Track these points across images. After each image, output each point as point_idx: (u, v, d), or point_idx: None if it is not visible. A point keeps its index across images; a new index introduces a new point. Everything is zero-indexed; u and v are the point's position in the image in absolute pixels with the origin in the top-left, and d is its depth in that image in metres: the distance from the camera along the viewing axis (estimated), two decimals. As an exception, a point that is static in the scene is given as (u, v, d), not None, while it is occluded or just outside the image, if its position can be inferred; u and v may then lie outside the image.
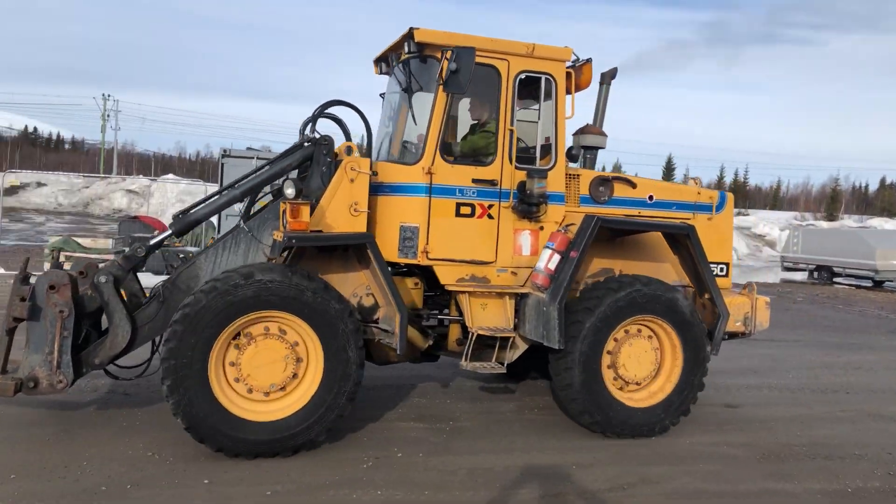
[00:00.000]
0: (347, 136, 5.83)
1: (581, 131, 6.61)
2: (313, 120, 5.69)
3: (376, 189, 5.64)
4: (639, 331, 5.89)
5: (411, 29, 5.50)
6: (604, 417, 5.69)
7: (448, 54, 5.29)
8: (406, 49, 5.60)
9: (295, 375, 5.04)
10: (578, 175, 6.16)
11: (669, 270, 6.30)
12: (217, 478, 4.51)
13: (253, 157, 13.66)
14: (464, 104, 6.02)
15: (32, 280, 4.93)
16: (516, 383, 7.36)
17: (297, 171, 5.62)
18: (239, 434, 4.80)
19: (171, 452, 4.86)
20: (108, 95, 62.99)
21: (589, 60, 6.19)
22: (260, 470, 4.69)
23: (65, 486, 4.25)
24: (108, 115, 61.69)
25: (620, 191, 6.25)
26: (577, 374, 5.56)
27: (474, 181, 5.68)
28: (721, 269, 6.46)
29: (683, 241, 6.03)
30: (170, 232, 5.49)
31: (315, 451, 5.06)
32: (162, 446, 4.96)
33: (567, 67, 5.99)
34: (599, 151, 6.63)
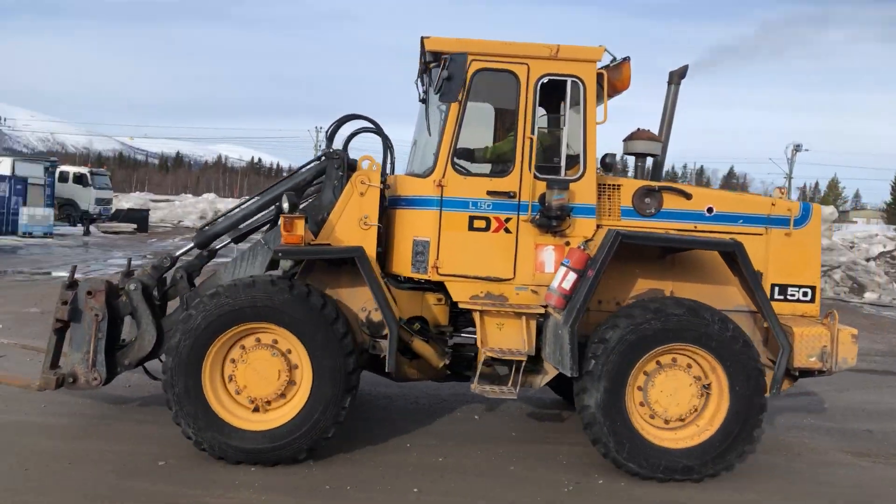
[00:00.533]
0: (390, 148, 5.91)
1: (631, 137, 6.04)
2: (330, 135, 5.91)
3: (395, 203, 5.62)
4: (675, 361, 5.10)
5: (423, 38, 5.40)
6: (633, 459, 4.98)
7: (443, 62, 5.18)
8: (422, 59, 5.55)
9: (287, 388, 5.06)
10: (620, 185, 5.60)
11: (734, 294, 5.48)
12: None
13: None
14: (491, 112, 5.76)
15: None
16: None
17: (310, 184, 5.78)
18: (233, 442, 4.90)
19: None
20: (320, 127, 68.76)
21: (626, 59, 5.71)
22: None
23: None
24: (320, 146, 67.01)
25: (671, 202, 5.59)
26: (596, 411, 4.94)
27: (489, 193, 5.41)
28: (805, 294, 5.60)
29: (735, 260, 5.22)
30: (191, 245, 5.82)
31: (514, 473, 5.12)
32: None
33: (600, 68, 5.50)
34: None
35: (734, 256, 5.16)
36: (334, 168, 5.53)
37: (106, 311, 5.27)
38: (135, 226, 30.67)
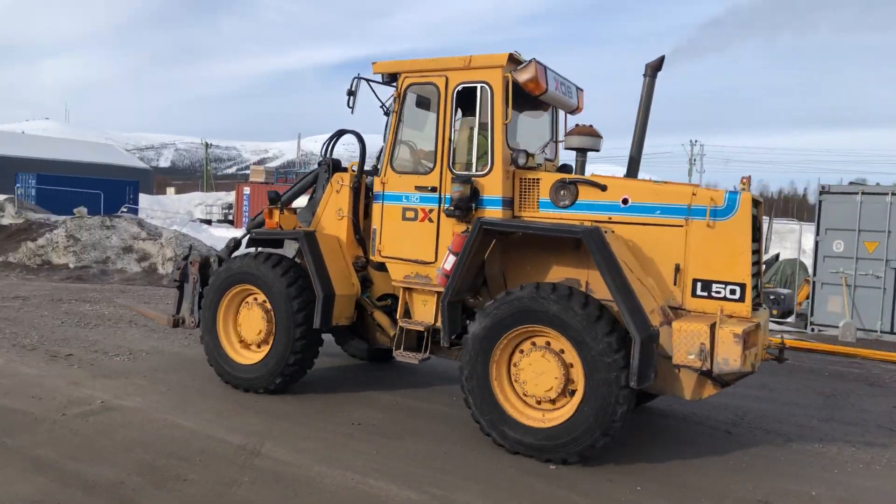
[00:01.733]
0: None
1: (570, 132, 6.25)
2: (328, 147, 7.22)
3: (376, 198, 6.57)
4: (535, 343, 5.34)
5: (372, 63, 6.58)
6: (497, 432, 5.35)
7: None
8: (380, 79, 6.61)
9: (265, 341, 6.59)
10: (539, 179, 5.97)
11: (652, 286, 5.32)
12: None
13: (857, 193, 12.13)
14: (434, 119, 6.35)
15: None
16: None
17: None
18: None
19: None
20: (695, 141, 66.31)
21: (531, 61, 5.91)
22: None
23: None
24: (695, 160, 64.28)
25: (587, 194, 5.76)
26: (469, 382, 5.47)
27: (416, 188, 6.25)
28: (733, 292, 5.15)
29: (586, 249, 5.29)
30: (245, 232, 7.36)
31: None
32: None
33: (509, 73, 5.87)
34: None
35: (589, 244, 5.16)
36: (323, 172, 6.96)
37: (199, 275, 7.27)
38: None
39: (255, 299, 6.64)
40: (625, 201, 5.64)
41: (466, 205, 5.82)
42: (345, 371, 7.78)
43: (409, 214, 6.28)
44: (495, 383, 5.42)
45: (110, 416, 5.74)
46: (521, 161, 6.02)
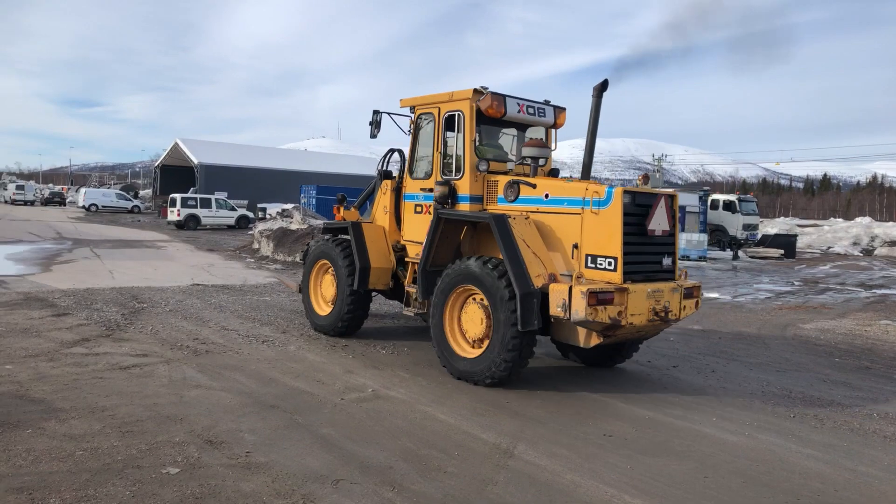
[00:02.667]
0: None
1: (525, 144, 8.05)
2: (383, 161, 9.54)
3: (404, 198, 8.88)
4: (471, 298, 7.28)
5: (400, 99, 8.70)
6: (448, 364, 7.34)
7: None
8: (409, 111, 8.70)
9: (333, 300, 9.21)
10: (497, 181, 7.74)
11: (559, 260, 7.02)
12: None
13: None
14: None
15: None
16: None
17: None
18: None
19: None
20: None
21: (488, 93, 7.68)
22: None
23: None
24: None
25: (525, 191, 7.46)
26: (434, 327, 7.51)
27: (421, 189, 8.45)
28: (610, 264, 6.62)
29: (490, 230, 7.15)
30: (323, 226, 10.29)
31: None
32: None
33: (475, 102, 7.71)
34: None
35: (493, 227, 6.99)
36: (378, 180, 9.44)
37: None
38: (781, 251, 30.02)
39: (329, 270, 9.36)
40: (546, 196, 7.27)
41: (446, 201, 7.79)
42: (591, 380, 7.64)
43: (419, 209, 8.50)
44: (447, 327, 7.41)
45: (379, 403, 6.30)
46: (483, 167, 7.70)
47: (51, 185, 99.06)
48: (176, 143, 53.88)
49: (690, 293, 7.17)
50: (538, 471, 4.88)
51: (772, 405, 6.93)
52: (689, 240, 27.53)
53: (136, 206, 54.79)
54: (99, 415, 5.53)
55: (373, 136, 8.73)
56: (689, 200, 30.16)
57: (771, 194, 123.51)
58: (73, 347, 7.84)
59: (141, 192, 72.37)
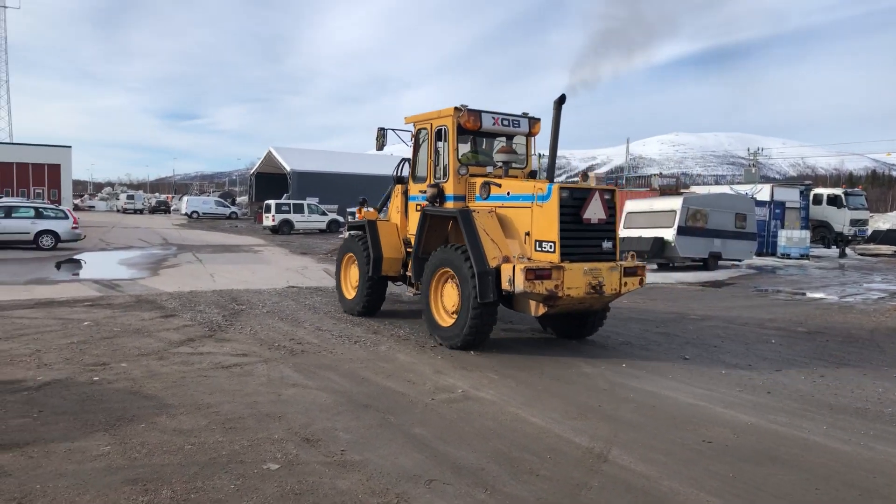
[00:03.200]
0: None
1: (497, 151, 9.74)
2: (397, 168, 11.03)
3: (409, 199, 10.57)
4: (449, 278, 8.82)
5: (404, 117, 10.45)
6: (433, 331, 9.04)
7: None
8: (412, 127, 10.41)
9: (357, 285, 11.09)
10: (476, 182, 9.30)
11: (515, 245, 8.49)
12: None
13: None
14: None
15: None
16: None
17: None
18: None
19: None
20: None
21: (465, 110, 9.26)
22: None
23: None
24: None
25: (495, 190, 8.94)
26: (423, 303, 9.21)
27: (420, 191, 10.00)
28: (550, 247, 8.11)
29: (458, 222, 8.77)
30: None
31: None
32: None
33: (456, 118, 9.33)
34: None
35: (459, 220, 8.65)
36: (392, 185, 11.07)
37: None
38: (895, 248, 28.69)
39: (354, 261, 11.23)
40: (508, 193, 8.77)
41: (435, 200, 9.43)
42: (689, 385, 7.35)
43: (419, 208, 9.86)
44: (432, 302, 9.01)
45: (469, 404, 6.31)
46: (462, 172, 9.35)
47: (157, 194, 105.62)
48: (269, 152, 56.17)
49: (634, 272, 8.53)
50: (634, 476, 4.74)
51: (890, 413, 6.44)
52: (790, 237, 26.08)
53: (233, 212, 57.54)
54: (204, 411, 5.82)
55: (378, 149, 10.53)
56: (788, 196, 28.61)
57: (882, 187, 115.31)
58: (179, 347, 8.30)
59: (238, 199, 75.95)
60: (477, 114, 9.32)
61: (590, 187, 8.44)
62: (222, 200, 62.40)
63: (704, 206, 22.00)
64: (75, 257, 20.67)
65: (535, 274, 7.70)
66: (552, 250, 8.04)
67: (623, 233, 22.70)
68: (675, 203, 21.75)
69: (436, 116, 9.66)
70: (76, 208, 61.21)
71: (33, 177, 59.95)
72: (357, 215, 11.23)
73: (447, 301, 8.88)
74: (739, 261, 23.53)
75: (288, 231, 36.69)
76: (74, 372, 6.96)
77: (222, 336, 9.07)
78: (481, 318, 8.20)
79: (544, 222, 8.14)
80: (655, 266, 22.31)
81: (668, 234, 21.06)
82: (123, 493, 4.19)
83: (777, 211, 27.28)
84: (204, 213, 55.62)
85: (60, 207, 25.95)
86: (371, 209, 11.16)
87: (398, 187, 10.80)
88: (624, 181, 42.54)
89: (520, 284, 7.73)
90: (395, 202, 10.96)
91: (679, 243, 20.96)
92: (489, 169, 9.56)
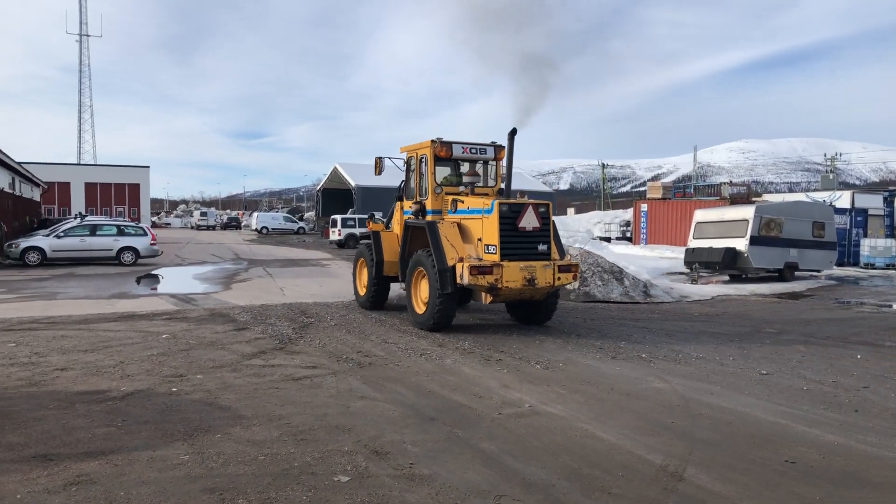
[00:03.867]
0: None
1: (464, 174, 12.05)
2: (399, 188, 13.21)
3: (404, 213, 12.82)
4: (423, 276, 10.99)
5: (400, 148, 12.95)
6: (412, 317, 11.27)
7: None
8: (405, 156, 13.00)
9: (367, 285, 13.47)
10: (448, 199, 11.61)
11: (472, 248, 10.67)
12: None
13: None
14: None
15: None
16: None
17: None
18: None
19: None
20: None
21: (435, 140, 11.68)
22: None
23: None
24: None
25: (461, 206, 11.25)
26: (406, 296, 11.51)
27: (409, 207, 12.33)
28: (493, 249, 10.28)
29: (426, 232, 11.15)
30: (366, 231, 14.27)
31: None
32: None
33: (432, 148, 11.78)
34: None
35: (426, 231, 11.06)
36: (395, 202, 13.18)
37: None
38: None
39: (364, 265, 13.56)
40: (468, 207, 10.99)
41: (419, 214, 11.79)
42: (769, 401, 7.04)
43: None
44: (412, 295, 11.22)
45: (537, 419, 6.22)
46: (438, 191, 11.72)
47: (228, 210, 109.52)
48: (335, 168, 57.40)
49: (567, 269, 10.52)
50: (712, 497, 4.55)
51: None
52: (874, 246, 24.76)
53: (301, 227, 59.00)
54: (276, 422, 5.95)
55: (377, 174, 12.63)
56: (871, 202, 27.22)
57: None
58: (251, 359, 8.53)
59: (305, 215, 77.90)
60: (448, 144, 11.73)
61: (525, 202, 10.54)
62: (290, 216, 64.14)
63: (779, 214, 21.16)
64: (154, 272, 21.61)
65: (477, 270, 9.93)
66: (495, 252, 10.20)
67: (692, 243, 22.06)
68: (747, 212, 21.01)
69: (419, 147, 12.14)
70: (154, 225, 64.11)
71: (115, 196, 63.12)
72: (367, 227, 13.85)
73: (422, 294, 11.03)
74: (818, 271, 22.49)
75: (353, 245, 37.31)
76: (154, 383, 7.25)
77: (292, 348, 9.27)
78: (443, 305, 10.41)
79: (489, 230, 10.36)
80: (727, 277, 21.55)
81: (741, 244, 20.33)
82: (202, 501, 4.31)
83: (859, 219, 26.05)
84: (273, 229, 57.26)
85: (140, 225, 27.24)
86: (379, 222, 13.69)
87: (398, 204, 13.06)
88: (692, 190, 41.36)
89: (466, 278, 9.99)
90: (396, 216, 13.16)
91: (752, 253, 20.20)
92: (462, 188, 11.80)
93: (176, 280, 19.82)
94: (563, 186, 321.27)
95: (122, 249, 23.83)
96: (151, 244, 24.60)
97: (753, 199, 35.36)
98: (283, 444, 5.41)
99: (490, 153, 12.11)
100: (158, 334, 10.14)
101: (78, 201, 59.73)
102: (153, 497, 4.36)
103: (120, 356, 8.56)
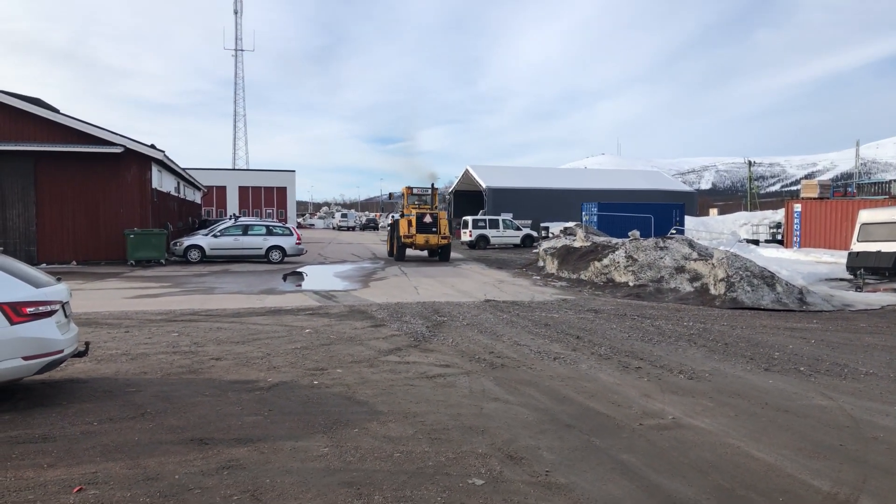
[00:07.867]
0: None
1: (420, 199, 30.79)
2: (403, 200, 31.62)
3: (402, 217, 29.98)
4: (394, 239, 29.45)
5: (402, 188, 31.67)
6: (389, 254, 30.95)
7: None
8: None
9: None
10: (411, 210, 28.95)
11: (413, 231, 27.18)
12: None
13: None
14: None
15: None
16: None
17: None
18: None
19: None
20: None
21: (409, 187, 30.48)
22: None
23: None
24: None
25: (409, 214, 28.29)
26: (388, 245, 32.18)
27: (400, 215, 31.02)
28: (413, 230, 27.05)
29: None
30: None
31: None
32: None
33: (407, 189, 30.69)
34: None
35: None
36: (399, 209, 37.59)
37: None
38: None
39: (391, 236, 30.23)
40: (414, 214, 27.79)
41: (400, 216, 29.73)
42: (959, 426, 6.12)
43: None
44: (391, 246, 30.14)
45: (682, 432, 5.81)
46: (407, 209, 29.07)
47: (367, 212, 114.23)
48: (467, 170, 58.06)
49: (445, 237, 27.31)
50: (893, 534, 4.00)
51: None
52: None
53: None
54: (411, 420, 5.99)
55: (388, 200, 23.38)
56: None
57: None
58: (388, 356, 8.71)
59: (437, 216, 79.42)
60: (411, 189, 29.89)
61: (425, 212, 27.45)
62: (423, 217, 65.63)
63: None
64: (298, 270, 22.90)
65: (404, 237, 26.90)
66: (414, 232, 26.78)
67: (856, 247, 20.00)
68: (923, 212, 18.70)
69: (405, 189, 29.70)
70: (299, 226, 68.16)
71: (265, 198, 67.78)
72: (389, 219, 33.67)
73: (394, 246, 28.67)
74: None
75: (484, 246, 37.55)
76: (298, 375, 7.58)
77: (426, 346, 9.37)
78: (399, 250, 27.74)
79: (413, 222, 27.00)
80: (899, 285, 19.30)
81: (916, 248, 18.12)
82: (340, 494, 4.40)
83: None
84: (407, 230, 58.85)
85: (287, 225, 29.04)
86: (398, 218, 28.30)
87: (403, 213, 29.00)
88: (854, 189, 37.56)
89: (404, 240, 26.89)
90: (404, 220, 27.36)
91: (930, 259, 17.93)
92: (417, 206, 28.75)
93: (319, 277, 20.86)
94: (705, 186, 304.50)
95: (271, 248, 25.50)
96: (297, 244, 26.13)
97: (930, 197, 31.47)
98: (417, 442, 5.43)
99: (429, 191, 30.25)
100: (302, 329, 10.65)
101: (232, 203, 64.78)
102: (295, 487, 4.50)
103: (267, 348, 9.06)
